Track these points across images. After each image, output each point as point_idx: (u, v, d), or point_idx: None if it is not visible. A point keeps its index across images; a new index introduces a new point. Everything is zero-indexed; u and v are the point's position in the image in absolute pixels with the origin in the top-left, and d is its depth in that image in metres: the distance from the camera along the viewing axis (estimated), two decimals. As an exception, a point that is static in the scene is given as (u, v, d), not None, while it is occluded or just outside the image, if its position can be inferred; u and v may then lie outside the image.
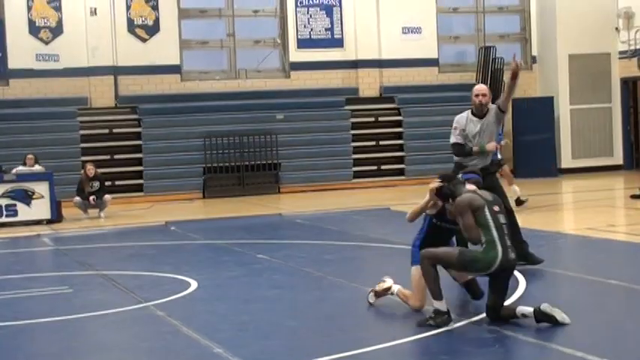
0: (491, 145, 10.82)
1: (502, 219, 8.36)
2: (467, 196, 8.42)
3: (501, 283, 8.37)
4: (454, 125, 10.94)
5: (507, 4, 29.65)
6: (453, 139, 10.96)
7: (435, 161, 25.65)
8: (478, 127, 10.66)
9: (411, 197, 22.74)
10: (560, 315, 8.09)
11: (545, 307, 8.10)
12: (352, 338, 8.18)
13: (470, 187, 8.68)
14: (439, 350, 7.73)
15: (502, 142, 17.80)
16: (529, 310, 8.19)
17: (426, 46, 27.96)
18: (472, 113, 10.85)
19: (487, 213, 8.30)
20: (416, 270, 8.98)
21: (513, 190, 18.16)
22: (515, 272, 10.51)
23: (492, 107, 10.86)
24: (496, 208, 8.39)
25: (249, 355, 7.57)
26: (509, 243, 8.29)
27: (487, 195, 8.54)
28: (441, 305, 8.36)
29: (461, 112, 11.07)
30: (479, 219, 8.28)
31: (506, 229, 8.34)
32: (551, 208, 19.28)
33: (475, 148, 10.80)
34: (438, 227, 9.06)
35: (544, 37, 28.66)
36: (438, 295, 8.42)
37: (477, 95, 10.71)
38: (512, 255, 8.31)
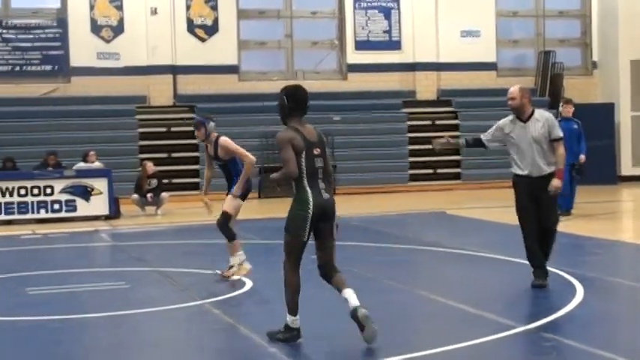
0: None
1: (319, 163, 8.15)
2: (289, 133, 8.10)
3: (324, 234, 8.23)
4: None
5: (568, 9, 29.40)
6: (485, 135, 10.94)
7: (492, 166, 25.49)
8: (522, 131, 10.40)
9: (467, 201, 22.72)
10: (368, 331, 7.80)
11: (362, 313, 7.84)
12: (405, 342, 8.16)
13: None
14: (493, 357, 7.68)
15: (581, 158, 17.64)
16: (352, 303, 7.96)
17: (484, 50, 27.83)
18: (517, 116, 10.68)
19: (303, 156, 8.07)
20: None
21: None
22: (572, 280, 10.43)
23: (544, 117, 10.44)
24: (316, 151, 8.16)
25: (302, 355, 7.60)
26: (322, 185, 8.15)
27: (311, 136, 8.17)
28: (292, 322, 8.13)
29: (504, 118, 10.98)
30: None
31: (321, 174, 8.15)
32: (611, 216, 19.08)
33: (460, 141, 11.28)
34: None
35: (605, 42, 28.35)
36: (293, 310, 8.17)
37: (508, 98, 10.62)
38: (327, 195, 8.16)
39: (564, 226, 15.66)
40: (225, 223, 11.60)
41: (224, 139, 11.69)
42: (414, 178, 26.43)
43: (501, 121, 10.75)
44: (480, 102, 27.05)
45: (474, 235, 15.94)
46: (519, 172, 10.38)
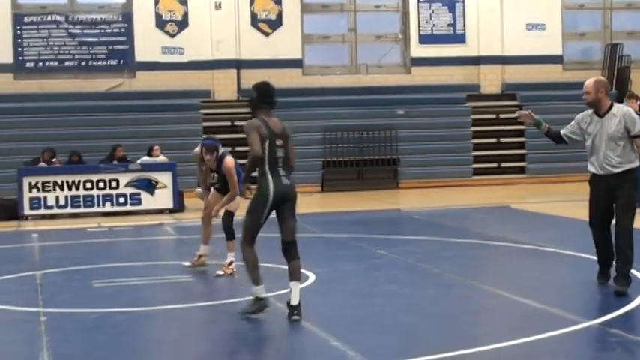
0: None
1: (280, 153, 8.86)
2: (256, 122, 8.88)
3: (285, 215, 8.92)
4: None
5: (636, 0, 28.94)
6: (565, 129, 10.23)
7: (558, 160, 25.32)
8: (598, 126, 9.76)
9: (532, 196, 22.53)
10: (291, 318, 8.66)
11: (291, 310, 8.72)
12: (470, 336, 8.12)
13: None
14: (558, 352, 7.60)
15: None
16: (292, 298, 8.78)
17: (550, 43, 27.56)
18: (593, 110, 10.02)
19: (267, 145, 8.75)
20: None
21: None
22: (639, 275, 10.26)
23: (621, 111, 9.76)
24: (278, 142, 8.86)
25: (366, 349, 7.58)
26: (282, 173, 8.88)
27: (276, 128, 8.91)
28: (258, 292, 8.85)
29: (585, 111, 10.35)
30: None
31: (282, 162, 8.88)
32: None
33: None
34: None
35: (674, 34, 27.91)
36: (256, 281, 8.89)
37: (583, 92, 9.89)
38: (287, 181, 8.90)
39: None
40: (230, 220, 11.89)
41: (228, 160, 12.10)
42: (478, 172, 26.26)
43: (580, 115, 10.04)
44: (546, 95, 26.79)
45: (538, 230, 15.79)
46: (592, 169, 9.84)
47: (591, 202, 9.94)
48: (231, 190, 11.67)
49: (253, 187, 9.03)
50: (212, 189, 12.36)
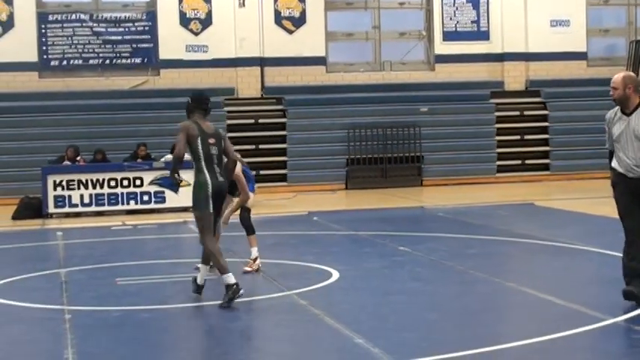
0: None
1: (214, 150, 9.81)
2: (187, 123, 9.89)
3: (216, 208, 9.89)
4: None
5: (661, -4, 28.78)
6: (606, 144, 9.37)
7: (582, 157, 25.23)
8: (623, 126, 9.03)
9: (556, 193, 22.44)
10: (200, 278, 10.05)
11: (195, 285, 10.07)
12: (493, 333, 8.11)
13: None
14: (582, 349, 7.58)
15: None
16: (199, 277, 10.12)
17: (574, 39, 27.40)
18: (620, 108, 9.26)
19: (199, 142, 9.72)
20: None
21: None
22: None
23: None
24: (211, 141, 9.81)
25: (390, 346, 7.58)
26: (217, 170, 9.83)
27: (207, 129, 9.87)
28: (228, 279, 9.50)
29: (609, 108, 9.77)
30: (192, 146, 9.72)
31: (216, 160, 9.84)
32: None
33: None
34: None
35: (699, 30, 27.71)
36: (224, 269, 9.59)
37: (610, 87, 9.20)
38: (221, 178, 9.87)
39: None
40: (248, 217, 12.10)
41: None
42: (502, 169, 26.16)
43: (607, 114, 9.33)
44: (570, 92, 26.66)
45: (562, 227, 15.73)
46: (618, 169, 9.11)
47: (622, 207, 9.09)
48: (242, 194, 11.79)
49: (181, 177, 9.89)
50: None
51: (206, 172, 9.74)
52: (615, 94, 9.14)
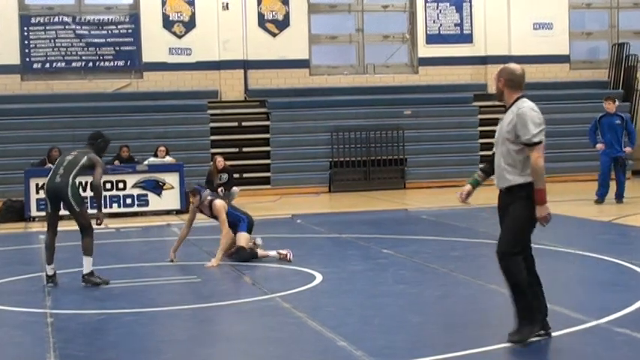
0: None
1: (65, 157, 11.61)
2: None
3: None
4: None
5: (643, 0, 28.93)
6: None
7: (564, 159, 25.29)
8: (499, 126, 8.04)
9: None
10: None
11: (86, 279, 11.11)
12: (477, 336, 8.12)
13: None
14: (564, 352, 7.60)
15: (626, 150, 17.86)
16: (84, 269, 11.16)
17: (557, 43, 27.53)
18: None
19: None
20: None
21: None
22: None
23: (517, 109, 7.93)
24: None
25: (373, 349, 7.59)
26: (61, 171, 11.45)
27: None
28: (50, 270, 11.23)
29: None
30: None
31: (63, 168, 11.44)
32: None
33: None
34: None
35: (681, 33, 27.84)
36: (48, 260, 11.32)
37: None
38: (58, 179, 11.30)
39: (634, 219, 15.42)
40: (245, 256, 12.62)
41: (217, 202, 12.97)
42: (485, 172, 26.19)
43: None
44: (553, 95, 26.75)
45: (544, 229, 15.71)
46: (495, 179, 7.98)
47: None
48: (222, 229, 12.49)
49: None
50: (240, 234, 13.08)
51: (50, 174, 11.63)
52: (494, 89, 8.01)
